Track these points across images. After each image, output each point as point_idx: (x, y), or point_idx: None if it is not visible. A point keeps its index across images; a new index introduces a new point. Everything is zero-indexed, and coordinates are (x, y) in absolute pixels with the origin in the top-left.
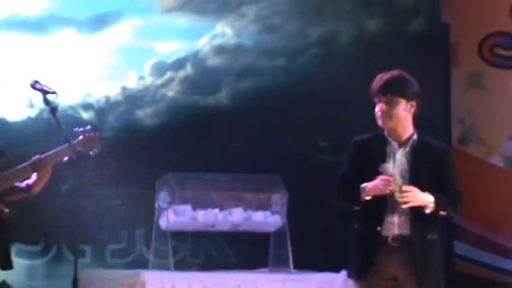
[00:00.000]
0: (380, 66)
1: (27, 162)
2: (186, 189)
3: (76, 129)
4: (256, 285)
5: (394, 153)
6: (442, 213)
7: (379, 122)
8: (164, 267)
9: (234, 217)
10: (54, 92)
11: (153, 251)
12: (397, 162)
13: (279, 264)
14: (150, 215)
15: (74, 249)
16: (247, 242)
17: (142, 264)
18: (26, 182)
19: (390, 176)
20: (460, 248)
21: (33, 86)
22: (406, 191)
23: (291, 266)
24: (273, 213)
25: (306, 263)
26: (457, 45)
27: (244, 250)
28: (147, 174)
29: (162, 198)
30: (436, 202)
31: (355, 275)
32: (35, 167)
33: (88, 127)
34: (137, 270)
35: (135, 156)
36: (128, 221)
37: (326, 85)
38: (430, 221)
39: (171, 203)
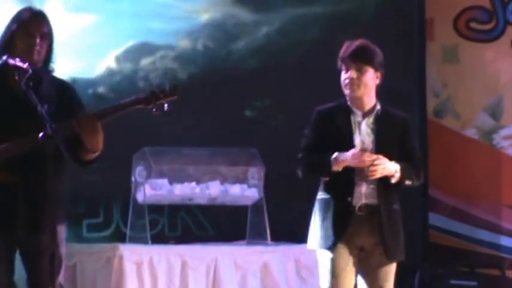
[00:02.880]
0: (355, 39)
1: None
2: (163, 163)
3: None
4: (234, 257)
5: (359, 123)
6: (407, 182)
7: (347, 90)
8: (141, 240)
9: (211, 190)
10: (27, 70)
11: (130, 225)
12: (362, 132)
13: (256, 236)
14: (127, 189)
15: None
16: (225, 215)
17: (119, 238)
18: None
19: (363, 150)
20: (435, 219)
21: (5, 63)
22: (377, 164)
23: (269, 238)
24: (250, 186)
25: (283, 235)
26: (432, 19)
27: (222, 223)
28: (123, 148)
29: (138, 172)
30: (402, 171)
31: (325, 245)
32: (80, 123)
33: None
34: (115, 244)
35: (112, 130)
36: (105, 195)
37: (299, 55)
38: (395, 190)
39: (148, 177)
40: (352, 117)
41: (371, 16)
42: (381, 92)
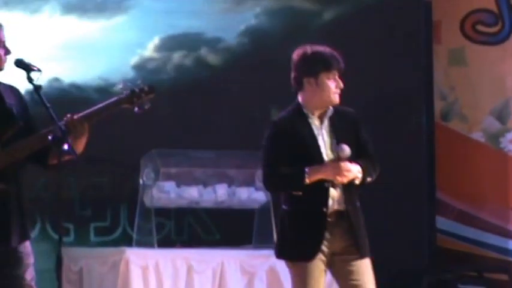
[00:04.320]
0: (362, 42)
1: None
2: (171, 166)
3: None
4: (240, 261)
5: (320, 128)
6: (369, 179)
7: (335, 99)
8: (148, 244)
9: (218, 193)
10: (38, 70)
11: (137, 228)
12: (324, 137)
13: (263, 240)
14: (134, 191)
15: (58, 228)
16: (231, 218)
17: (126, 241)
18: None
19: (339, 159)
20: (442, 222)
21: (17, 64)
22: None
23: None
24: (257, 189)
25: None
26: (439, 22)
27: (228, 227)
28: (131, 151)
29: (146, 174)
30: (363, 171)
31: (300, 256)
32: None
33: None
34: (121, 248)
35: (120, 133)
36: (112, 198)
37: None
38: (357, 189)
39: (156, 180)
40: (310, 122)
41: (377, 19)
42: (388, 95)
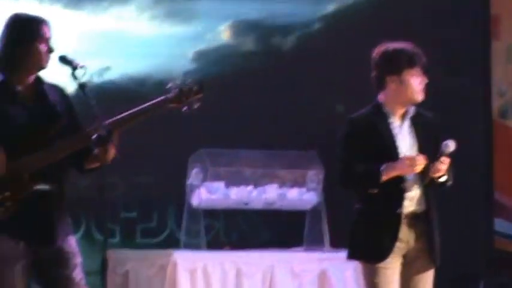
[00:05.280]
0: (419, 37)
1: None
2: (219, 166)
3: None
4: (291, 264)
5: (400, 128)
6: (449, 183)
7: (419, 96)
8: (196, 246)
9: (268, 194)
10: (83, 67)
11: (185, 230)
12: (404, 137)
13: (314, 243)
14: (182, 192)
15: (103, 229)
16: (282, 220)
17: (173, 243)
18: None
19: (417, 155)
20: (500, 224)
21: (61, 61)
22: (443, 163)
23: (327, 244)
24: (308, 190)
25: (343, 241)
26: (497, 17)
27: (279, 228)
28: (179, 150)
29: (194, 175)
30: (448, 173)
31: (376, 257)
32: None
33: (187, 81)
34: (168, 250)
35: (168, 131)
36: (159, 199)
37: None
38: (436, 193)
39: (204, 180)
40: (390, 122)
41: (434, 14)
42: (444, 92)
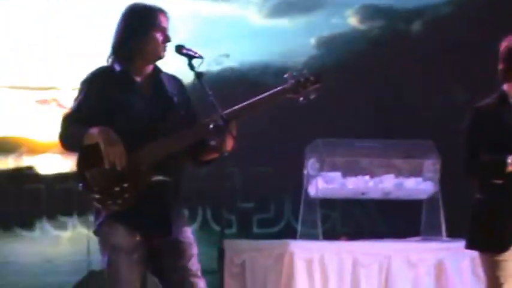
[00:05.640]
0: None
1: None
2: (336, 156)
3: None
4: (408, 254)
5: None
6: None
7: None
8: (313, 236)
9: (384, 184)
10: (200, 57)
11: (302, 220)
12: None
13: (431, 232)
14: (298, 182)
15: (220, 219)
16: (398, 209)
17: (290, 234)
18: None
19: None
20: None
21: (177, 51)
22: None
23: (444, 234)
24: (425, 179)
25: (460, 231)
26: None
27: (395, 218)
28: (295, 140)
29: (311, 165)
30: None
31: (496, 248)
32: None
33: (304, 71)
34: (285, 240)
35: (284, 121)
36: (276, 189)
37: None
38: None
39: (321, 170)
40: None
41: None
42: None
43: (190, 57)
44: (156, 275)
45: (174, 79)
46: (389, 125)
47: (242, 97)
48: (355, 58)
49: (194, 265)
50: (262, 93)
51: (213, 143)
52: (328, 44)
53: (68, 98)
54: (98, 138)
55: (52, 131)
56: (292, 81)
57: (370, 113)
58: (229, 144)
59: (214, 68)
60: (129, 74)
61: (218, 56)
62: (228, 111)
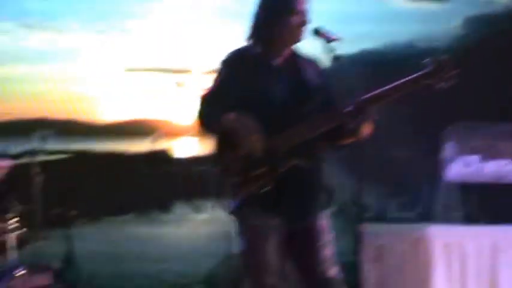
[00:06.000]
0: None
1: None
2: (475, 140)
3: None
4: None
5: None
6: None
7: None
8: (451, 221)
9: None
10: (337, 40)
11: (440, 204)
12: None
13: None
14: (437, 166)
15: (358, 203)
16: None
17: (427, 217)
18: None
19: None
20: None
21: (315, 33)
22: None
23: None
24: None
25: None
26: None
27: None
28: (433, 123)
29: (449, 148)
30: None
31: None
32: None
33: (444, 56)
34: (423, 224)
35: (422, 105)
36: (414, 173)
37: None
38: None
39: (459, 153)
40: None
41: None
42: None
43: (328, 40)
44: (291, 259)
45: (313, 62)
46: None
47: (383, 80)
48: (502, 39)
49: (327, 252)
50: (402, 78)
51: (350, 127)
52: (474, 24)
53: (204, 81)
54: (236, 124)
55: (189, 114)
56: (432, 67)
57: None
58: (367, 129)
59: (354, 49)
60: (267, 58)
61: (358, 37)
62: (366, 96)
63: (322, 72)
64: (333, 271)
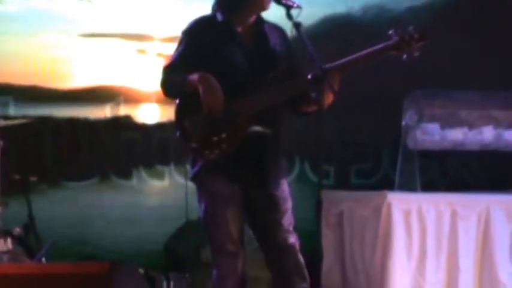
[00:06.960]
0: None
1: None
2: (435, 107)
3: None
4: (507, 207)
5: None
6: None
7: None
8: (411, 188)
9: (483, 136)
10: (298, 6)
11: (400, 171)
12: None
13: None
14: (396, 133)
15: (318, 170)
16: (498, 161)
17: (387, 185)
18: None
19: None
20: None
21: (275, 0)
22: None
23: None
24: None
25: None
26: None
27: (494, 170)
28: (394, 91)
29: (409, 116)
30: None
31: None
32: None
33: (410, 28)
34: (383, 191)
35: (383, 73)
36: (374, 140)
37: None
38: None
39: (419, 121)
40: None
41: None
42: None
43: (288, 7)
44: (250, 227)
45: (277, 29)
46: (489, 76)
47: (349, 49)
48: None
49: (287, 220)
50: (368, 49)
51: (313, 95)
52: None
53: (166, 48)
54: (198, 83)
55: (151, 81)
56: (397, 38)
57: (469, 64)
58: (329, 97)
59: (321, 14)
60: (231, 25)
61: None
62: (330, 65)
63: (288, 39)
64: (293, 239)
